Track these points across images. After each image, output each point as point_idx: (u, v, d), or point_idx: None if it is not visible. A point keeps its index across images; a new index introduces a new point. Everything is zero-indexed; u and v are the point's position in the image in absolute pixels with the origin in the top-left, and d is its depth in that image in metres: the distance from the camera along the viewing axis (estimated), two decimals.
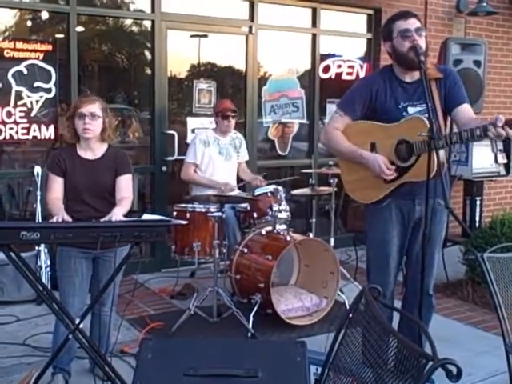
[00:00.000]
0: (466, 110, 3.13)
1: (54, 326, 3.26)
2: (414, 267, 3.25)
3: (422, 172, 2.90)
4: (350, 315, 2.00)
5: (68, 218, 2.97)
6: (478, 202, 6.45)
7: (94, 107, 3.19)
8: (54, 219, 2.94)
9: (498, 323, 2.65)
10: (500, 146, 6.31)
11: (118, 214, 3.02)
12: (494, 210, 6.31)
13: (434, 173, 2.86)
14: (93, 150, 3.26)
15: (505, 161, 6.34)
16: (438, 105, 3.10)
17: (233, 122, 5.04)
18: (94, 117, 3.18)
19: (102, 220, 2.98)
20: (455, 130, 3.15)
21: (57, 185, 3.20)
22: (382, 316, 1.83)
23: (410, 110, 3.13)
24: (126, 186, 3.27)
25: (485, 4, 6.67)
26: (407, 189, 3.11)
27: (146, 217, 3.01)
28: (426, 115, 2.95)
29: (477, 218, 6.45)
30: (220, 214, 4.21)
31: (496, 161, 6.25)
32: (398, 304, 3.35)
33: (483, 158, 6.11)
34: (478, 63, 5.78)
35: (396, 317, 3.10)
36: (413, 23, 3.09)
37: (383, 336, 1.77)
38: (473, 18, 6.97)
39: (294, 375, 2.12)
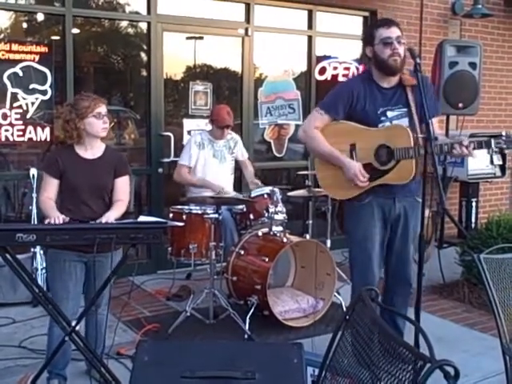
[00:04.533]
0: (434, 125, 3.29)
1: (47, 328, 3.24)
2: (393, 261, 3.49)
3: (399, 176, 3.26)
4: (347, 317, 2.00)
5: (65, 218, 2.95)
6: (473, 204, 6.48)
7: (105, 106, 3.24)
8: (52, 220, 2.92)
9: (495, 324, 2.65)
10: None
11: (110, 218, 3.02)
12: (490, 212, 6.31)
13: (413, 177, 3.22)
14: (93, 149, 3.25)
15: (500, 162, 6.36)
16: (414, 111, 3.27)
17: (227, 131, 5.02)
18: (107, 116, 3.23)
19: (92, 222, 2.97)
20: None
21: (51, 186, 3.18)
22: (379, 317, 1.84)
23: (389, 114, 3.31)
24: (123, 188, 3.27)
25: (480, 6, 6.68)
26: (388, 188, 3.32)
27: (142, 219, 3.00)
28: (405, 119, 3.27)
29: (473, 220, 6.48)
30: (216, 215, 4.20)
31: (492, 162, 6.28)
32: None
33: (479, 159, 6.11)
34: (473, 65, 5.79)
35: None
36: (394, 32, 3.27)
37: (380, 337, 1.77)
38: (468, 20, 6.99)
39: (291, 377, 2.13)
